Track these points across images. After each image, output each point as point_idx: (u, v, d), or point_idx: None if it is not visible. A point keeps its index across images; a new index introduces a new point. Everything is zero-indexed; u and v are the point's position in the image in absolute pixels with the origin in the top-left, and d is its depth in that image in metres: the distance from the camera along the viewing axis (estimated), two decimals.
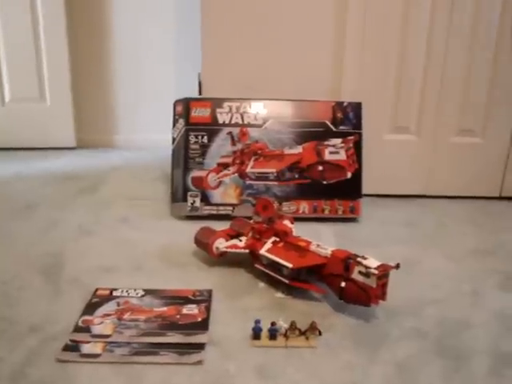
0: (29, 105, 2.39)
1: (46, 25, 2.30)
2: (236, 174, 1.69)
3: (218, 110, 1.68)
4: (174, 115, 1.72)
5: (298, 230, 1.38)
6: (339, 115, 1.71)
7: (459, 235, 1.64)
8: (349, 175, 1.70)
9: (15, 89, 2.37)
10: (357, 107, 1.72)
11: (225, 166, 1.68)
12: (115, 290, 1.24)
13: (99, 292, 1.24)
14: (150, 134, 2.41)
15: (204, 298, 1.22)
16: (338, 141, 1.69)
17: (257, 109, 1.70)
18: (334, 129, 1.70)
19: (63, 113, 2.41)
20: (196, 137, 1.68)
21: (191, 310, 1.17)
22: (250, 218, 1.46)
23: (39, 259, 1.40)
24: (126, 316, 1.14)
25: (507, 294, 1.30)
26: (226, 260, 1.39)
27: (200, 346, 1.05)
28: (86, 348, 1.04)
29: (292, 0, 1.77)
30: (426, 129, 1.85)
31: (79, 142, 2.47)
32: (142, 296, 1.22)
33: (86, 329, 1.10)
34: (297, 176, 1.69)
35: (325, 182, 1.69)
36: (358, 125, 1.72)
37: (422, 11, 1.73)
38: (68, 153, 2.41)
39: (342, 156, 1.69)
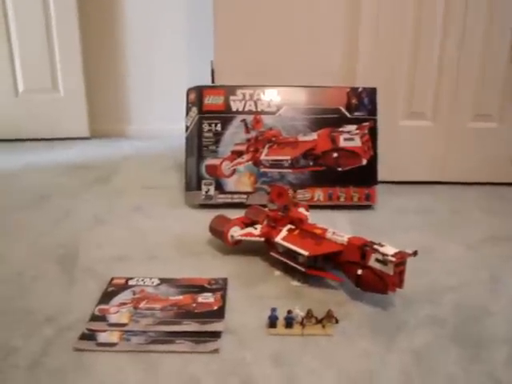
0: (42, 95, 2.40)
1: (58, 15, 2.30)
2: (250, 162, 1.68)
3: (232, 98, 1.67)
4: (187, 103, 1.71)
5: (313, 218, 1.36)
6: (354, 101, 1.69)
7: (475, 222, 1.62)
8: (364, 162, 1.68)
9: (28, 80, 2.37)
10: (372, 93, 1.69)
11: (239, 153, 1.67)
12: (131, 279, 1.24)
13: (115, 281, 1.24)
14: (163, 123, 2.41)
15: (219, 287, 1.21)
16: (352, 127, 1.67)
17: (270, 96, 1.68)
18: (348, 115, 1.68)
19: (76, 103, 2.42)
20: (209, 125, 1.67)
21: (207, 298, 1.17)
22: (264, 205, 1.45)
23: (53, 249, 1.40)
24: (142, 305, 1.14)
25: None
26: (241, 248, 1.38)
27: (216, 335, 1.05)
28: (103, 337, 1.04)
29: None
30: (442, 114, 1.82)
31: (92, 132, 2.47)
32: (158, 285, 1.22)
33: (102, 318, 1.10)
34: (311, 163, 1.68)
35: (340, 169, 1.68)
36: (373, 111, 1.69)
37: None
38: (81, 143, 2.41)
39: (356, 143, 1.67)
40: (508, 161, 1.84)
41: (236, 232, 1.37)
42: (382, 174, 1.73)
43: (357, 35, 1.76)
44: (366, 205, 1.69)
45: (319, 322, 1.07)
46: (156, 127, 2.46)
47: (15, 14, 2.28)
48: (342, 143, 1.67)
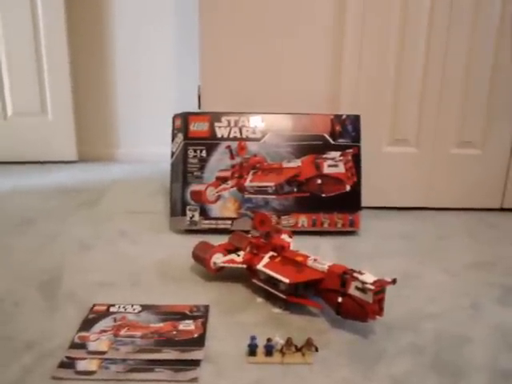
0: (31, 119, 2.41)
1: (48, 40, 2.33)
2: (235, 188, 1.69)
3: (217, 124, 1.69)
4: (173, 129, 1.72)
5: (298, 244, 1.37)
6: (338, 128, 1.71)
7: (459, 248, 1.64)
8: (348, 188, 1.69)
9: (17, 103, 2.39)
10: (355, 120, 1.72)
11: (223, 179, 1.69)
12: (112, 305, 1.24)
13: (96, 308, 1.24)
14: (151, 147, 2.43)
15: (201, 314, 1.22)
16: (336, 154, 1.69)
17: (255, 122, 1.70)
18: (332, 142, 1.70)
19: (65, 127, 2.43)
20: (195, 151, 1.68)
21: (188, 325, 1.17)
22: (248, 231, 1.46)
23: (36, 274, 1.40)
24: (123, 332, 1.14)
25: (507, 309, 1.29)
26: (223, 275, 1.38)
27: (195, 363, 1.05)
28: (82, 365, 1.04)
29: (290, 14, 1.78)
30: (426, 141, 1.85)
31: (81, 155, 2.49)
32: (139, 312, 1.22)
33: (82, 345, 1.10)
34: (295, 189, 1.69)
35: (324, 195, 1.69)
36: (356, 137, 1.71)
37: (419, 24, 1.74)
38: (69, 166, 2.42)
39: (340, 169, 1.69)
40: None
41: (219, 259, 1.37)
42: (367, 199, 1.75)
43: (340, 63, 1.79)
44: (350, 231, 1.71)
45: (299, 350, 1.08)
46: (144, 151, 2.48)
47: (4, 37, 2.30)
48: (326, 170, 1.68)
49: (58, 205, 1.94)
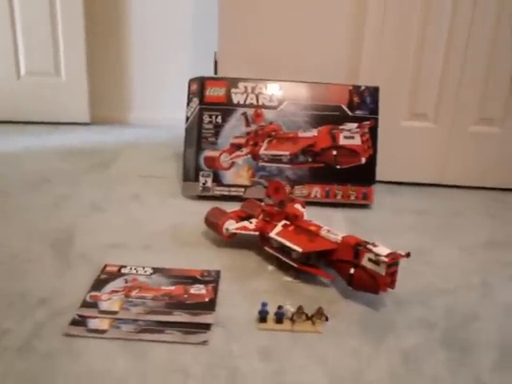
0: (44, 79, 2.39)
1: (63, 1, 2.29)
2: (249, 156, 1.67)
3: (233, 90, 1.67)
4: (189, 94, 1.70)
5: (310, 215, 1.37)
6: (356, 99, 1.68)
7: (473, 226, 1.62)
8: (363, 161, 1.67)
9: (31, 63, 2.37)
10: (374, 92, 1.69)
11: (238, 146, 1.67)
12: (124, 267, 1.25)
13: (108, 268, 1.24)
14: (165, 111, 2.41)
15: (212, 279, 1.22)
16: (353, 125, 1.67)
17: (272, 90, 1.67)
18: (349, 113, 1.68)
19: (78, 88, 2.41)
20: (210, 116, 1.66)
21: (199, 289, 1.17)
22: (261, 200, 1.45)
23: (49, 234, 1.41)
24: (134, 293, 1.15)
25: None
26: (235, 241, 1.38)
27: (206, 327, 1.05)
28: (93, 323, 1.05)
29: None
30: (445, 116, 1.82)
31: (93, 117, 2.47)
32: (151, 274, 1.23)
33: (93, 304, 1.10)
34: (310, 159, 1.68)
35: (338, 167, 1.68)
36: (374, 110, 1.69)
37: None
38: (81, 128, 2.41)
39: (356, 141, 1.67)
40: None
41: (231, 225, 1.37)
42: (381, 173, 1.73)
43: (362, 33, 1.75)
44: (362, 204, 1.69)
45: (309, 318, 1.08)
46: (157, 116, 2.46)
47: None
48: (342, 141, 1.66)
49: (71, 166, 1.93)
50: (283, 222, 1.33)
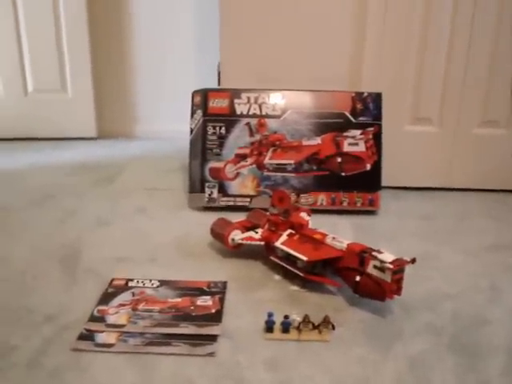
0: (51, 95, 2.42)
1: (68, 17, 2.33)
2: (254, 165, 1.68)
3: (236, 101, 1.67)
4: (192, 106, 1.71)
5: (316, 223, 1.37)
6: (359, 106, 1.68)
7: (479, 229, 1.61)
8: (368, 167, 1.67)
9: (37, 80, 2.40)
10: (377, 98, 1.69)
11: (242, 157, 1.68)
12: (131, 280, 1.25)
13: (115, 282, 1.25)
14: (170, 124, 2.42)
15: (218, 290, 1.22)
16: (357, 132, 1.67)
17: (275, 99, 1.68)
18: (353, 120, 1.68)
19: (84, 103, 2.44)
20: (214, 128, 1.67)
21: (205, 301, 1.18)
22: (267, 209, 1.45)
23: (56, 249, 1.42)
24: (141, 306, 1.15)
25: None
26: (241, 252, 1.38)
27: (213, 338, 1.05)
28: (101, 337, 1.05)
29: None
30: (448, 120, 1.81)
31: (100, 132, 2.50)
32: (158, 287, 1.23)
33: (101, 318, 1.11)
34: (315, 168, 1.68)
35: (343, 174, 1.68)
36: (378, 116, 1.69)
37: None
38: (88, 143, 2.43)
39: (361, 148, 1.67)
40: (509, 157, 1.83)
41: (237, 236, 1.37)
42: (387, 179, 1.73)
43: (363, 39, 1.75)
44: (369, 210, 1.69)
45: (316, 327, 1.08)
46: (163, 128, 2.47)
47: (25, 15, 2.31)
48: (347, 148, 1.67)
49: (76, 181, 1.95)
50: (288, 231, 1.33)
